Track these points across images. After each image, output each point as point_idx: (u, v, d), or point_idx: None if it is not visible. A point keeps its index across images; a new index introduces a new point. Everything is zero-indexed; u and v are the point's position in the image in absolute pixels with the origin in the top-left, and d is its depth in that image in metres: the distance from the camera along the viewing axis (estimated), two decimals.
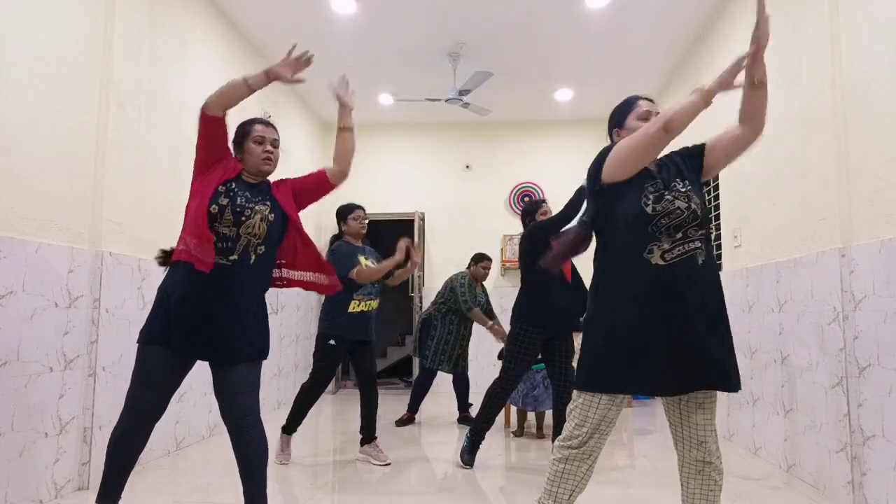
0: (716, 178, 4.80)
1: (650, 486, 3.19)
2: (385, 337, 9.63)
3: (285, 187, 2.42)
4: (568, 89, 6.26)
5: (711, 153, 1.99)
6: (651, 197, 1.84)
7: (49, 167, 2.89)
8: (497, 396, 3.53)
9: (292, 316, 6.04)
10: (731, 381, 1.82)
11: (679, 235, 1.81)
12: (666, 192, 1.85)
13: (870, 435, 2.68)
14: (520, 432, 4.56)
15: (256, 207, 2.25)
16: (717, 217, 4.78)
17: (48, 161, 2.89)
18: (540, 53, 5.41)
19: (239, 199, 2.23)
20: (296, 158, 6.34)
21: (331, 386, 7.00)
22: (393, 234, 9.73)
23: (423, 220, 7.18)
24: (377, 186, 7.36)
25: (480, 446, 3.62)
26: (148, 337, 2.16)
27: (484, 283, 5.24)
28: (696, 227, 1.85)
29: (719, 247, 4.70)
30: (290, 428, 3.70)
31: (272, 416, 5.33)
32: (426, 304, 6.25)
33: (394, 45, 5.26)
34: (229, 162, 2.31)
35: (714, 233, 4.92)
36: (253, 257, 2.23)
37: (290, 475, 3.40)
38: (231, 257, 2.19)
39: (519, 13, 4.71)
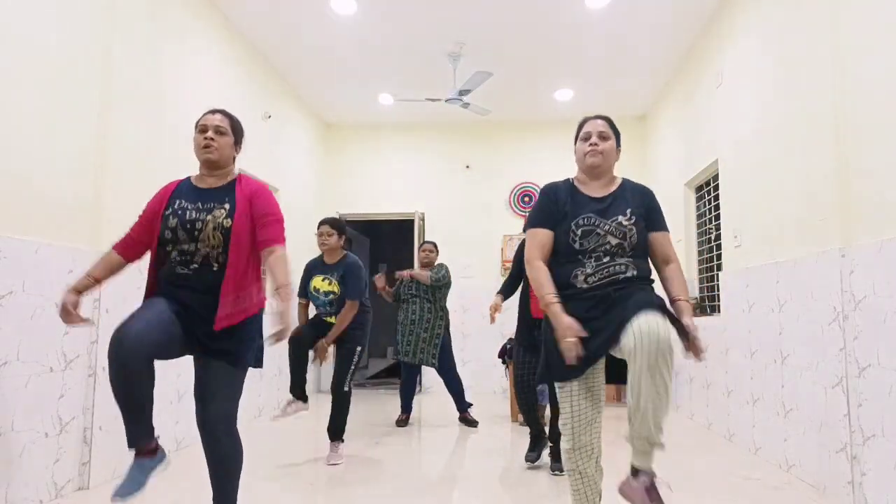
0: (716, 178, 4.80)
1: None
2: (385, 337, 9.65)
3: (252, 192, 2.24)
4: (568, 89, 6.26)
5: (652, 241, 2.17)
6: (579, 232, 2.07)
7: (49, 167, 2.89)
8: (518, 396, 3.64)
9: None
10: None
11: (606, 259, 2.05)
12: (597, 228, 2.06)
13: (870, 435, 2.68)
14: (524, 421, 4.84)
15: (208, 217, 2.14)
16: (718, 217, 4.78)
17: (48, 161, 2.89)
18: (540, 53, 5.41)
19: (188, 213, 2.15)
20: (296, 158, 6.35)
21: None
22: (393, 234, 9.79)
23: (423, 220, 7.18)
24: (377, 186, 7.36)
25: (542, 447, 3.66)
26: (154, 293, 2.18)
27: (430, 266, 5.07)
28: (624, 256, 2.05)
29: (719, 247, 4.70)
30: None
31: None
32: None
33: (394, 45, 5.26)
34: (156, 204, 2.25)
35: (714, 232, 4.92)
36: (216, 266, 2.14)
37: (289, 475, 3.40)
38: (192, 266, 2.13)
39: (519, 13, 4.71)
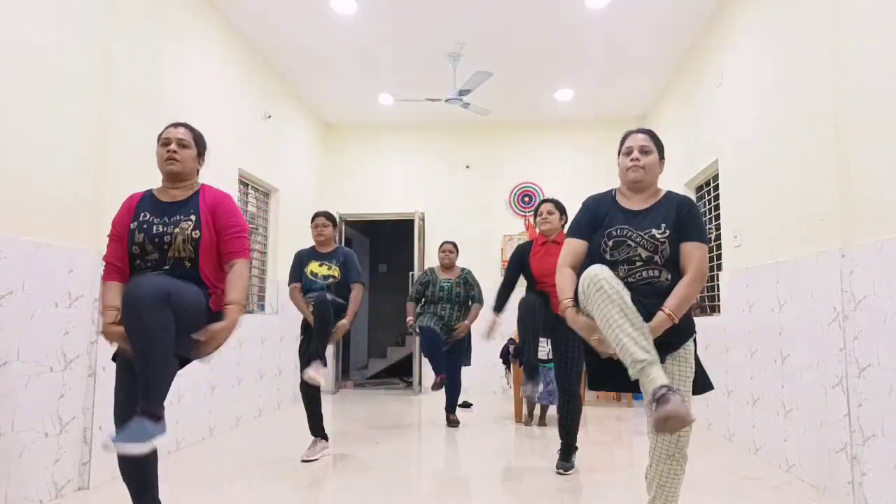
0: (716, 178, 4.80)
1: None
2: (385, 337, 9.65)
3: (215, 202, 2.26)
4: (568, 89, 6.26)
5: (680, 250, 2.14)
6: (610, 243, 2.11)
7: (49, 167, 2.89)
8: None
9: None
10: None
11: (639, 264, 2.09)
12: (629, 240, 2.09)
13: (870, 435, 2.68)
14: (528, 420, 5.02)
15: (176, 230, 2.17)
16: (718, 217, 4.78)
17: (48, 161, 2.89)
18: (540, 53, 5.41)
19: (154, 227, 2.18)
20: (296, 158, 6.35)
21: (331, 386, 7.00)
22: (393, 234, 9.79)
23: (423, 220, 7.19)
24: (377, 186, 7.36)
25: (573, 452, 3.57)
26: (115, 354, 2.22)
27: (451, 269, 4.99)
28: (653, 266, 2.08)
29: (719, 247, 4.70)
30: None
31: (272, 416, 5.34)
32: None
33: (394, 45, 5.27)
34: (120, 219, 2.26)
35: (714, 233, 4.92)
36: (187, 265, 2.18)
37: (289, 474, 3.40)
38: (164, 268, 2.16)
39: (519, 13, 4.71)
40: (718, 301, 4.68)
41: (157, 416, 1.94)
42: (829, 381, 2.96)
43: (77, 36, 3.09)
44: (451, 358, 4.81)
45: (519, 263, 3.80)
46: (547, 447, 4.11)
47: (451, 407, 4.96)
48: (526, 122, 7.24)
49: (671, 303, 1.98)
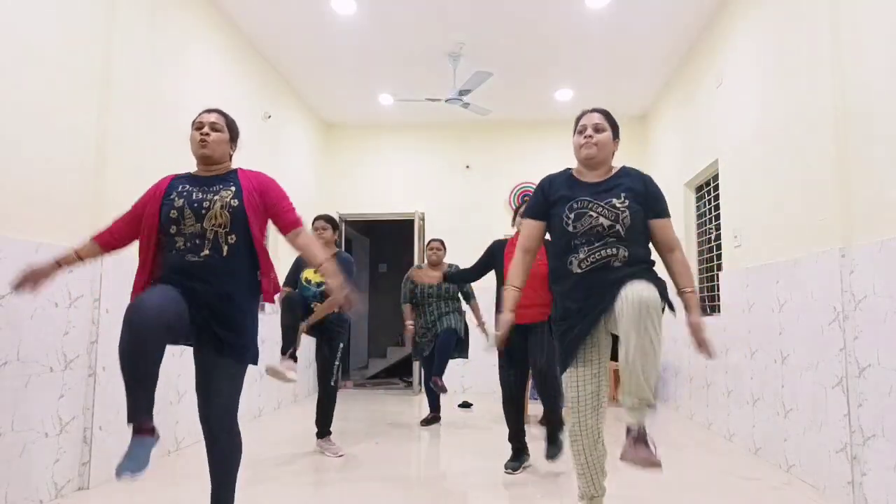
0: (716, 178, 4.80)
1: (650, 486, 3.19)
2: (385, 337, 9.65)
3: (258, 181, 2.30)
4: (568, 89, 6.26)
5: (653, 228, 2.22)
6: (572, 215, 2.14)
7: (49, 167, 2.89)
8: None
9: None
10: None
11: (598, 243, 2.10)
12: (589, 210, 2.12)
13: (870, 435, 2.68)
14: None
15: (216, 197, 2.19)
16: (718, 217, 4.78)
17: (48, 161, 2.89)
18: (540, 53, 5.41)
19: (194, 194, 2.20)
20: (296, 158, 6.35)
21: None
22: (393, 234, 9.79)
23: (423, 220, 7.19)
24: (377, 186, 7.36)
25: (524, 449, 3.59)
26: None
27: (439, 266, 4.95)
28: (616, 238, 2.10)
29: (719, 247, 4.70)
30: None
31: (273, 416, 5.33)
32: None
33: (394, 45, 5.26)
34: (150, 195, 2.29)
35: (714, 232, 4.92)
36: (225, 249, 2.16)
37: (288, 474, 3.40)
38: (202, 253, 2.14)
39: (519, 13, 4.71)
40: (718, 301, 4.68)
41: (150, 429, 1.98)
42: (829, 381, 2.96)
43: (77, 36, 3.09)
44: (445, 335, 4.70)
45: (491, 257, 3.74)
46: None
47: (438, 370, 4.67)
48: (526, 122, 7.24)
49: (683, 281, 2.15)
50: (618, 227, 2.08)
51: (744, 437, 4.00)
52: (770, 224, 3.67)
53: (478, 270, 3.83)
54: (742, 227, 4.10)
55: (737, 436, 4.12)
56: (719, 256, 4.69)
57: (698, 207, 5.41)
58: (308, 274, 3.89)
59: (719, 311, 4.56)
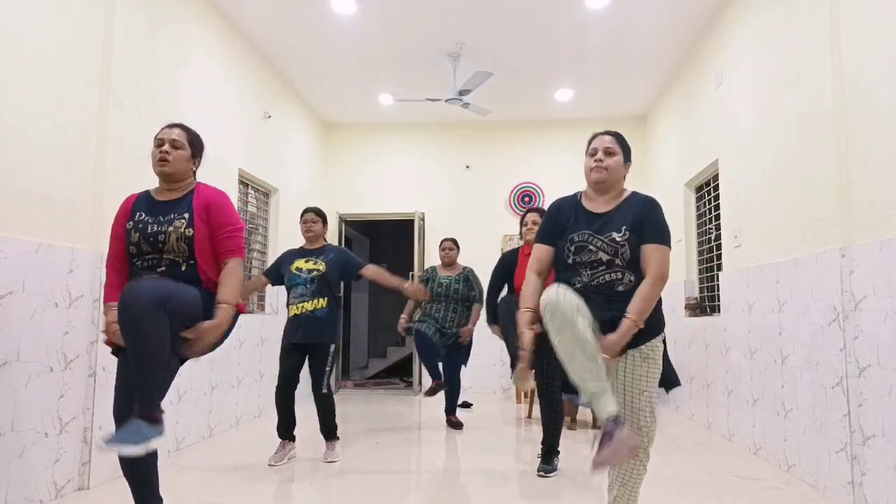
0: (716, 178, 4.80)
1: (650, 486, 3.19)
2: (385, 337, 9.64)
3: (207, 200, 2.27)
4: (568, 89, 6.25)
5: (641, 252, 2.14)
6: (573, 248, 2.14)
7: (49, 167, 2.89)
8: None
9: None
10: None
11: (601, 268, 2.10)
12: (589, 244, 2.12)
13: (870, 435, 2.68)
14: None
15: (170, 228, 2.19)
16: (718, 217, 4.78)
17: (48, 161, 2.89)
18: (540, 53, 5.41)
19: (149, 227, 2.21)
20: (296, 158, 6.35)
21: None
22: (393, 234, 9.79)
23: (423, 220, 7.18)
24: (377, 186, 7.36)
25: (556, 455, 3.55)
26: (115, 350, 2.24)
27: (453, 266, 4.95)
28: (615, 268, 2.09)
29: (719, 247, 4.70)
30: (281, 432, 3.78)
31: (272, 416, 5.34)
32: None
33: (394, 45, 5.26)
34: (119, 222, 2.30)
35: (714, 232, 4.92)
36: (183, 266, 2.19)
37: (289, 473, 3.40)
38: (159, 269, 2.18)
39: (519, 13, 4.71)
40: (718, 301, 4.68)
41: (153, 417, 1.95)
42: (829, 381, 2.96)
43: (77, 36, 3.09)
44: (450, 358, 4.76)
45: (504, 273, 3.80)
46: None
47: (451, 409, 4.90)
48: (526, 122, 7.24)
49: (633, 308, 2.00)
50: (617, 260, 2.08)
51: (744, 437, 4.00)
52: (770, 224, 3.67)
53: (498, 291, 3.85)
54: (742, 227, 4.10)
55: (737, 436, 4.12)
56: (719, 256, 4.69)
57: (698, 207, 5.41)
58: (299, 263, 3.77)
59: (719, 311, 4.56)
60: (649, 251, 2.07)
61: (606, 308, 2.03)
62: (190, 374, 4.00)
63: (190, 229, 2.19)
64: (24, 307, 2.71)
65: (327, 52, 5.40)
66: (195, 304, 2.07)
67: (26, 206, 2.76)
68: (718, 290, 4.71)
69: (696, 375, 5.00)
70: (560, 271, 2.21)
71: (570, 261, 2.13)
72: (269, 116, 5.54)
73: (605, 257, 2.08)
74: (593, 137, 2.27)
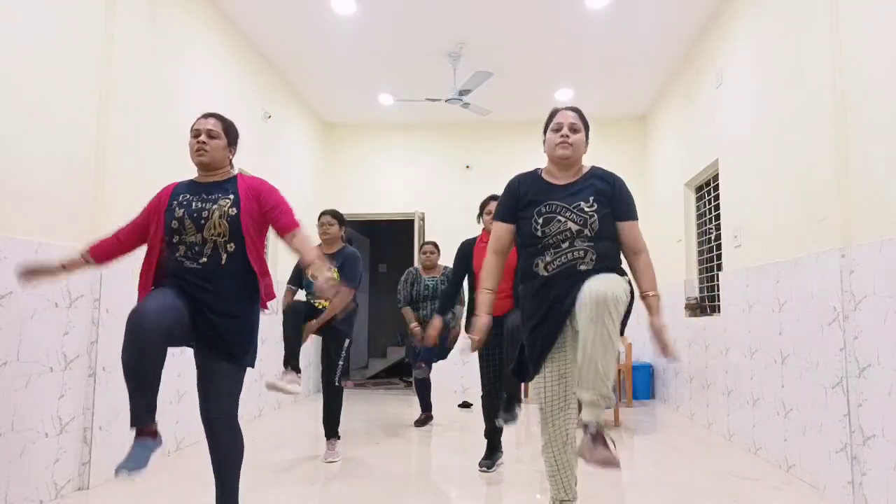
0: (716, 178, 4.80)
1: (650, 486, 3.19)
2: (385, 337, 9.65)
3: (254, 187, 2.34)
4: (568, 89, 6.26)
5: (620, 230, 2.22)
6: (541, 220, 2.14)
7: (49, 167, 2.89)
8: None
9: None
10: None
11: (565, 245, 2.11)
12: (558, 215, 2.13)
13: (870, 435, 2.68)
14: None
15: (214, 206, 2.23)
16: (718, 217, 4.78)
17: (48, 161, 2.89)
18: (540, 53, 5.41)
19: (194, 204, 2.25)
20: (296, 158, 6.35)
21: None
22: (393, 234, 9.79)
23: (423, 220, 7.18)
24: (377, 186, 7.36)
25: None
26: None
27: (434, 268, 5.03)
28: (584, 240, 2.11)
29: (719, 247, 4.70)
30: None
31: (274, 416, 5.34)
32: None
33: (394, 45, 5.26)
34: (155, 204, 2.35)
35: (714, 232, 4.92)
36: (224, 256, 2.21)
37: (287, 473, 3.40)
38: (200, 261, 2.19)
39: (519, 13, 4.71)
40: (718, 301, 4.68)
41: (153, 432, 2.05)
42: (829, 381, 2.96)
43: (77, 36, 3.09)
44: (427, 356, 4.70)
45: (464, 263, 3.70)
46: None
47: (427, 356, 4.74)
48: (526, 122, 7.24)
49: (648, 284, 2.15)
50: (586, 231, 2.09)
51: (744, 437, 4.00)
52: (770, 224, 3.67)
53: (458, 281, 3.80)
54: (742, 227, 4.10)
55: (737, 436, 4.12)
56: (719, 256, 4.69)
57: (698, 207, 5.41)
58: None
59: (719, 311, 4.56)
60: (629, 228, 2.19)
61: (569, 293, 2.05)
62: (189, 374, 3.99)
63: (234, 209, 2.23)
64: (24, 307, 2.71)
65: (327, 52, 5.40)
66: (187, 333, 2.17)
67: (26, 206, 2.76)
68: (718, 290, 4.71)
69: (696, 375, 5.00)
70: (525, 257, 2.21)
71: (538, 233, 2.12)
72: (269, 116, 5.54)
73: (574, 227, 2.10)
74: (555, 112, 2.32)
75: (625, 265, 2.22)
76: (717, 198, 4.83)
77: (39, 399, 2.79)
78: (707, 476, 3.36)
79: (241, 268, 2.24)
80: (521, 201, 2.22)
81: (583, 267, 2.09)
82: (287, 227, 2.30)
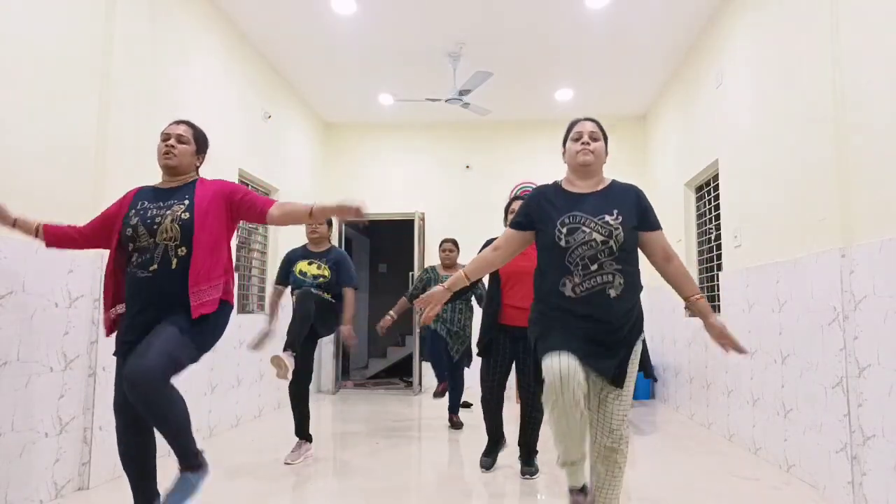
0: (716, 178, 4.80)
1: (650, 486, 3.19)
2: (385, 337, 9.64)
3: (216, 188, 2.34)
4: (568, 89, 6.26)
5: (643, 243, 2.22)
6: (564, 230, 2.12)
7: (49, 167, 2.89)
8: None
9: None
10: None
11: (594, 267, 2.08)
12: (582, 225, 2.11)
13: (870, 435, 2.68)
14: None
15: (168, 212, 2.24)
16: (718, 217, 4.78)
17: (48, 160, 2.89)
18: (540, 53, 5.41)
19: (149, 211, 2.27)
20: (296, 158, 6.35)
21: (331, 385, 7.00)
22: (393, 234, 9.79)
23: (423, 220, 7.19)
24: (377, 186, 7.36)
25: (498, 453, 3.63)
26: (115, 350, 2.30)
27: (453, 267, 4.89)
28: (612, 261, 2.08)
29: (719, 247, 4.70)
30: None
31: (272, 416, 5.33)
32: None
33: (394, 45, 5.26)
34: (116, 209, 2.38)
35: (714, 232, 4.92)
36: (174, 262, 2.20)
37: (289, 473, 3.40)
38: (151, 268, 2.20)
39: (519, 13, 4.71)
40: (718, 301, 4.68)
41: (197, 466, 2.11)
42: (829, 381, 2.96)
43: (77, 36, 3.09)
44: (453, 359, 4.76)
45: None
46: (548, 448, 4.10)
47: (454, 408, 4.92)
48: (526, 122, 7.24)
49: (691, 288, 2.17)
50: (611, 242, 2.07)
51: (744, 437, 4.00)
52: (770, 224, 3.67)
53: (495, 281, 3.69)
54: (742, 227, 4.10)
55: (737, 436, 4.12)
56: (719, 256, 4.69)
57: (698, 207, 5.41)
58: (302, 266, 3.81)
59: (719, 311, 4.56)
60: (657, 236, 2.20)
61: (603, 336, 2.08)
62: (190, 375, 3.98)
63: (187, 213, 2.24)
64: (24, 307, 2.71)
65: (327, 52, 5.40)
66: (193, 340, 2.18)
67: (26, 206, 2.75)
68: (718, 290, 4.71)
69: (696, 375, 5.00)
70: (547, 274, 2.15)
71: (562, 243, 2.09)
72: (270, 116, 5.54)
73: (598, 238, 2.07)
74: (574, 123, 2.31)
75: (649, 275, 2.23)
76: (717, 198, 4.83)
77: (39, 399, 2.79)
78: (707, 476, 3.36)
79: (194, 272, 2.24)
80: (542, 211, 2.21)
81: (612, 292, 2.06)
82: (265, 204, 2.35)
